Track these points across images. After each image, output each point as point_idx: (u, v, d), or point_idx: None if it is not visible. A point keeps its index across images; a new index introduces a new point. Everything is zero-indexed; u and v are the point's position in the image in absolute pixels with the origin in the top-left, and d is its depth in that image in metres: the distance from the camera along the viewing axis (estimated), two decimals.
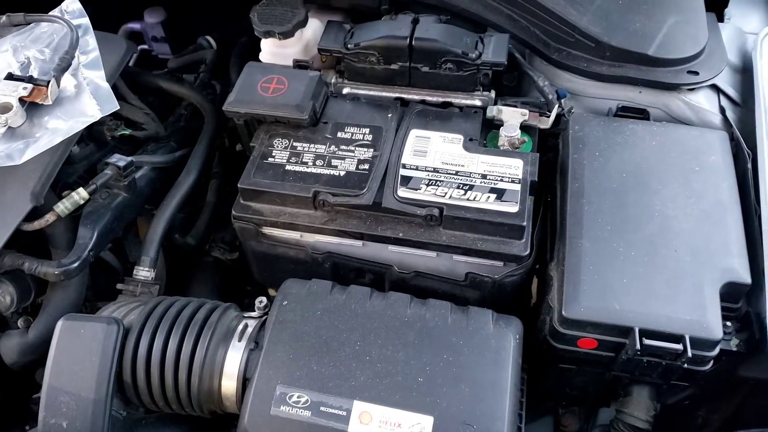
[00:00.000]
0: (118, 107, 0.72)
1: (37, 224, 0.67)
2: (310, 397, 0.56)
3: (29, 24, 0.79)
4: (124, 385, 0.60)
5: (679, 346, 0.57)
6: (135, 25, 1.18)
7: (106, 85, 0.73)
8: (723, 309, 0.61)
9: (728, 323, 0.64)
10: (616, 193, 0.68)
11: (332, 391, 0.56)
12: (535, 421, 0.81)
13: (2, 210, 0.67)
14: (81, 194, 0.70)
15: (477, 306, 0.62)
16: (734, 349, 0.65)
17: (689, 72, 0.78)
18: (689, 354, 0.57)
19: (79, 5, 0.79)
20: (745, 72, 0.83)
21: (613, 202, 0.67)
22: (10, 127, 0.68)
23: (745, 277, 0.62)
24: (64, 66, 0.72)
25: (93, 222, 0.71)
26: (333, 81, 0.82)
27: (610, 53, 0.79)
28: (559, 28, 0.80)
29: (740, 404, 0.73)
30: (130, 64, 0.98)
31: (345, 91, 0.81)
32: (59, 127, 0.69)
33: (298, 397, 0.56)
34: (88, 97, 0.71)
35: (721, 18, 0.90)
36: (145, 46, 1.21)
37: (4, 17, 0.80)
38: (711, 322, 0.59)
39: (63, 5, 0.79)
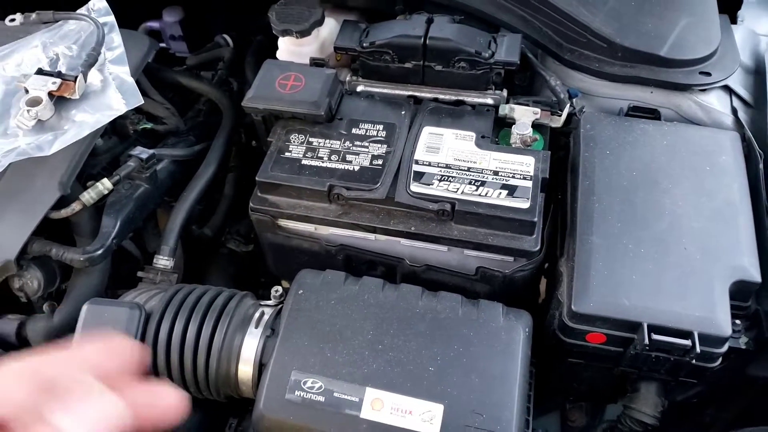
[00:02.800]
0: (143, 101, 0.74)
1: (64, 212, 0.70)
2: (324, 383, 0.57)
3: (58, 21, 0.82)
4: None
5: (688, 342, 0.58)
6: (154, 24, 1.21)
7: (131, 80, 0.76)
8: (732, 307, 0.61)
9: (737, 321, 0.65)
10: (626, 191, 0.68)
11: (345, 378, 0.57)
12: (542, 416, 0.82)
13: (32, 198, 0.70)
14: (105, 184, 0.73)
15: (487, 300, 0.64)
16: (743, 347, 0.65)
17: (701, 73, 0.78)
18: (698, 350, 0.58)
19: (105, 4, 0.82)
20: (758, 74, 0.84)
21: (624, 199, 0.68)
22: (39, 119, 0.71)
23: (756, 276, 0.62)
24: (90, 62, 0.75)
25: (116, 211, 0.74)
26: (347, 79, 0.83)
27: (622, 54, 0.79)
28: (572, 28, 0.81)
29: (749, 403, 0.73)
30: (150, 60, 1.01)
31: (359, 88, 0.82)
32: (86, 120, 0.72)
33: (312, 383, 0.57)
34: (113, 92, 0.74)
35: (734, 20, 0.91)
36: (163, 45, 1.24)
37: (34, 15, 0.83)
38: (720, 319, 0.60)
39: (90, 4, 0.82)
